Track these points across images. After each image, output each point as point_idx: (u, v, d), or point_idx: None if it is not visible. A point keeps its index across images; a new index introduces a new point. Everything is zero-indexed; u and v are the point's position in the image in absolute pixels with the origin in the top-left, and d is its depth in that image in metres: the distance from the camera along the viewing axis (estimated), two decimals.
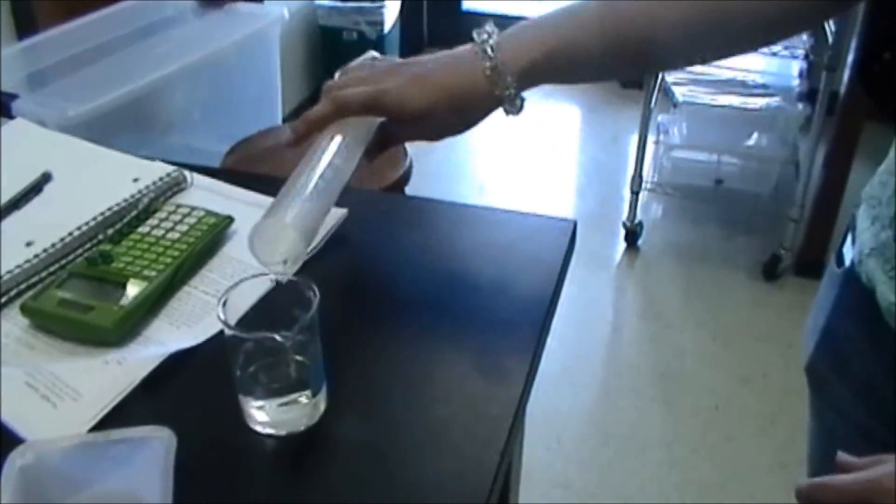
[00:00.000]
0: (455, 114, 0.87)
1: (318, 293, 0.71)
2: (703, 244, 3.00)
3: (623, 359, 2.59)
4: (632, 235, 2.93)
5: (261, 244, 0.78)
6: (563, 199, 3.24)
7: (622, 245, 2.96)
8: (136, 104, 1.95)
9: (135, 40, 2.16)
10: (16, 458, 0.64)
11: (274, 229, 0.78)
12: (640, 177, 2.84)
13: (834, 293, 0.94)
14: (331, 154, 0.85)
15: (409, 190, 1.99)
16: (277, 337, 0.69)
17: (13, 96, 1.82)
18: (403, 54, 3.62)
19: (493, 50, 0.84)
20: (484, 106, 0.87)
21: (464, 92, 0.86)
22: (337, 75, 0.93)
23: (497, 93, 0.85)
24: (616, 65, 0.90)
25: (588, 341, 2.61)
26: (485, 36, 0.85)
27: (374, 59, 0.95)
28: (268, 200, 0.82)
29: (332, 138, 0.86)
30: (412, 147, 2.00)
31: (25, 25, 2.44)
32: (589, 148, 3.63)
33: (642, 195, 2.92)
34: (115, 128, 1.86)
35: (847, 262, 0.91)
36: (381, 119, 0.90)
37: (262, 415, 0.73)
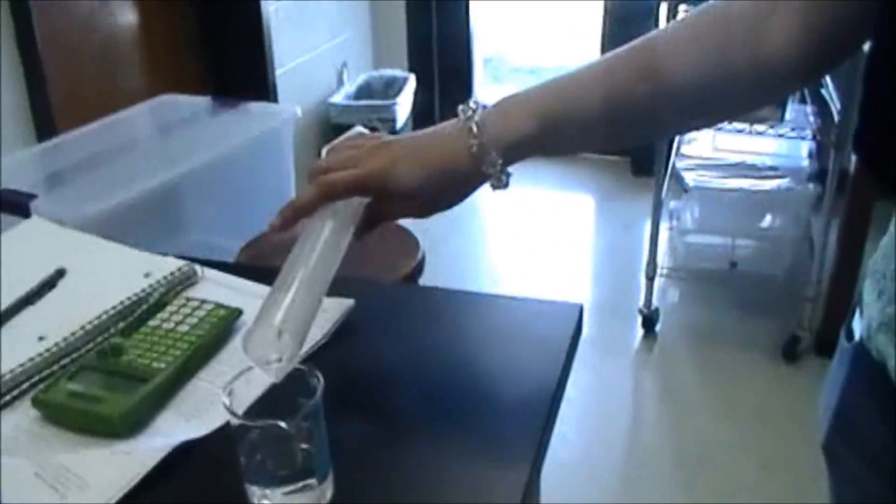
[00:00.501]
0: (442, 191, 0.87)
1: (321, 379, 0.72)
2: (720, 327, 2.98)
3: (643, 446, 2.55)
4: (648, 321, 2.92)
5: (253, 348, 0.77)
6: (578, 287, 3.25)
7: (640, 331, 2.95)
8: (152, 203, 1.98)
9: (151, 140, 2.21)
10: None
11: (264, 333, 0.77)
12: (655, 262, 2.85)
13: (845, 368, 0.93)
14: (318, 245, 0.85)
15: (423, 282, 2.00)
16: (282, 424, 0.69)
17: (32, 196, 1.86)
18: None
19: (478, 127, 0.84)
20: (470, 182, 0.87)
21: (450, 170, 0.86)
22: (323, 153, 0.93)
23: (483, 169, 0.85)
24: (614, 131, 0.89)
25: (607, 429, 2.58)
26: (469, 112, 0.85)
27: (361, 135, 0.94)
28: None
29: (320, 226, 0.86)
30: (426, 239, 2.02)
31: (45, 128, 2.50)
32: (603, 236, 3.65)
33: (658, 281, 2.92)
34: (132, 226, 1.88)
35: (856, 337, 0.91)
36: (368, 199, 0.89)
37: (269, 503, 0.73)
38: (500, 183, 0.86)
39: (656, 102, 0.86)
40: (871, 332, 0.86)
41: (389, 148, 0.88)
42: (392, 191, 0.86)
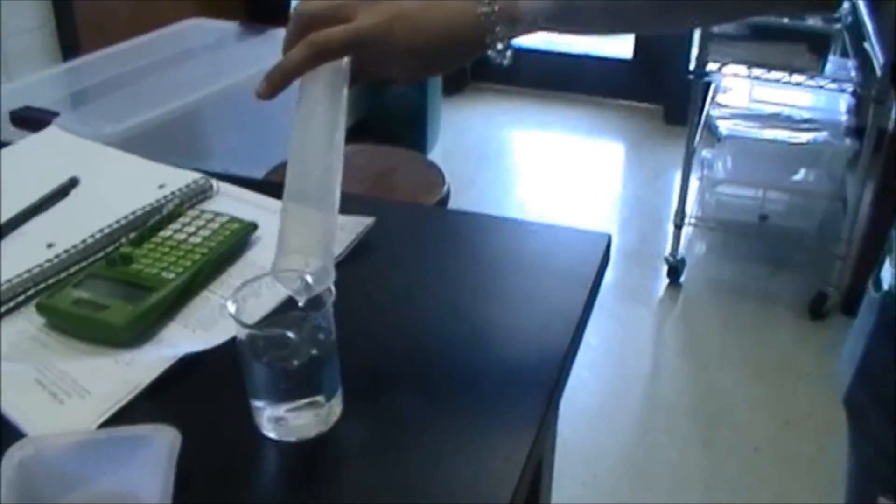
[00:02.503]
0: (439, 57, 0.80)
1: (333, 291, 0.68)
2: (746, 281, 2.93)
3: (662, 397, 2.52)
4: (674, 271, 2.87)
5: (283, 280, 0.72)
6: None
7: (664, 281, 2.90)
8: (173, 126, 1.94)
9: (175, 63, 2.17)
10: (15, 452, 0.62)
11: (290, 266, 0.72)
12: (683, 211, 2.79)
13: (872, 319, 0.89)
14: (320, 136, 0.78)
15: None
16: (290, 334, 0.66)
17: (54, 114, 1.83)
18: (446, 88, 3.61)
19: None
20: (470, 51, 0.79)
21: (452, 36, 0.78)
22: None
23: (488, 40, 0.78)
24: (645, 12, 0.81)
25: (627, 378, 2.55)
26: None
27: None
28: None
29: (313, 108, 0.79)
30: (452, 180, 1.97)
31: (70, 49, 2.47)
32: (632, 184, 3.59)
33: (686, 231, 2.86)
34: (152, 149, 1.84)
35: (885, 286, 0.87)
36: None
37: (274, 419, 0.70)
38: (503, 56, 0.79)
39: None
40: None
41: (388, 2, 0.78)
42: (389, 52, 0.78)
